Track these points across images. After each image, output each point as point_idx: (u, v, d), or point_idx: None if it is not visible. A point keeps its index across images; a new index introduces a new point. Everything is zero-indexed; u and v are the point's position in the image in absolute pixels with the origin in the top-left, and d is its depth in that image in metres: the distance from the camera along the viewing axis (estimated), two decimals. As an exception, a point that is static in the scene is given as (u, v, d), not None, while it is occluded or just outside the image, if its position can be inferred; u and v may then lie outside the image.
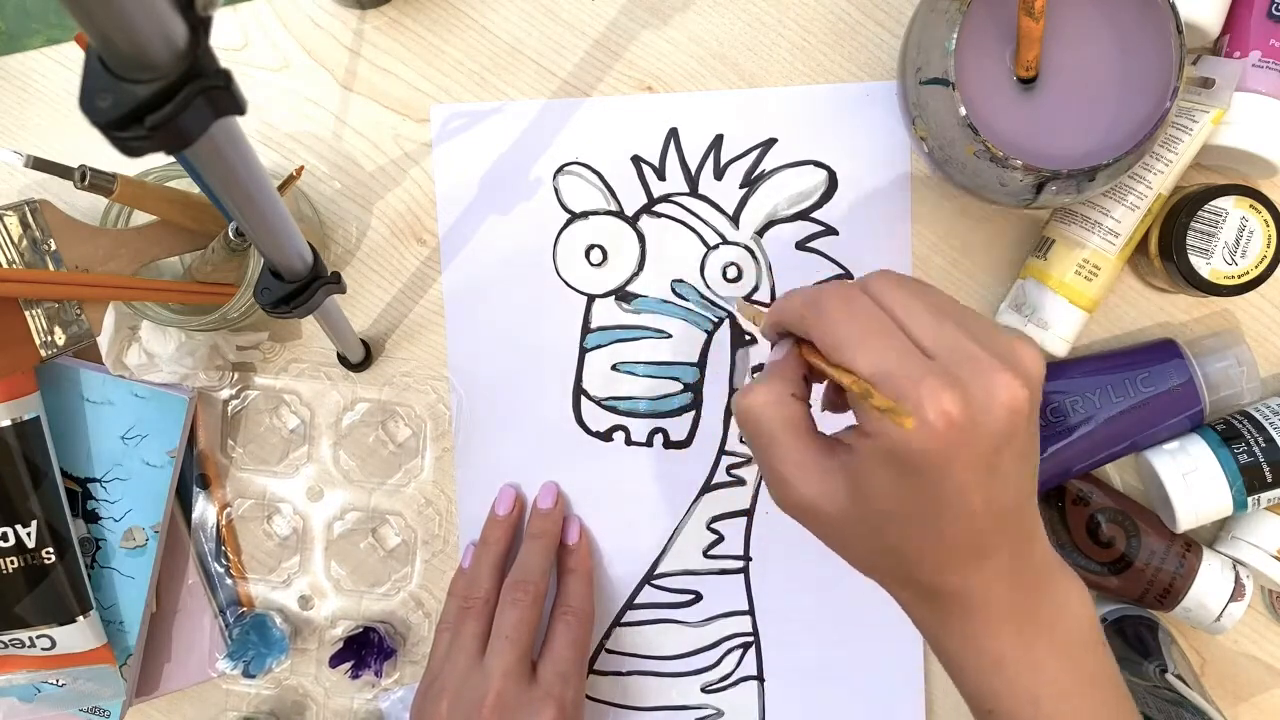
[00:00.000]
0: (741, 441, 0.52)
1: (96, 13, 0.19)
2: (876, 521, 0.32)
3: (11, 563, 0.49)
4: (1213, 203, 0.44)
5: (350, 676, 0.53)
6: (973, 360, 0.30)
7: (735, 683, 0.53)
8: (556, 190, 0.52)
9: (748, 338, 0.51)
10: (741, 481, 0.52)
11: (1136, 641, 0.48)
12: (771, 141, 0.50)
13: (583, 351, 0.52)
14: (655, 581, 0.53)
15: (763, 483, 0.52)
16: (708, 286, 0.51)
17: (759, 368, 0.51)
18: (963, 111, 0.40)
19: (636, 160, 0.51)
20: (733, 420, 0.52)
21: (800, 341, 0.35)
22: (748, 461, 0.52)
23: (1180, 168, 0.45)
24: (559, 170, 0.52)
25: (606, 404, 0.52)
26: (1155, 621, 0.49)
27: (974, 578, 0.32)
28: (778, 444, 0.33)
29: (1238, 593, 0.47)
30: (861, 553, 0.34)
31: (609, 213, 0.52)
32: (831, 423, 0.35)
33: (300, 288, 0.37)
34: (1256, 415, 0.47)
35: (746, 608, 0.52)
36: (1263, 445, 0.46)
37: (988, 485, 0.30)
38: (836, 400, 0.37)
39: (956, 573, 0.32)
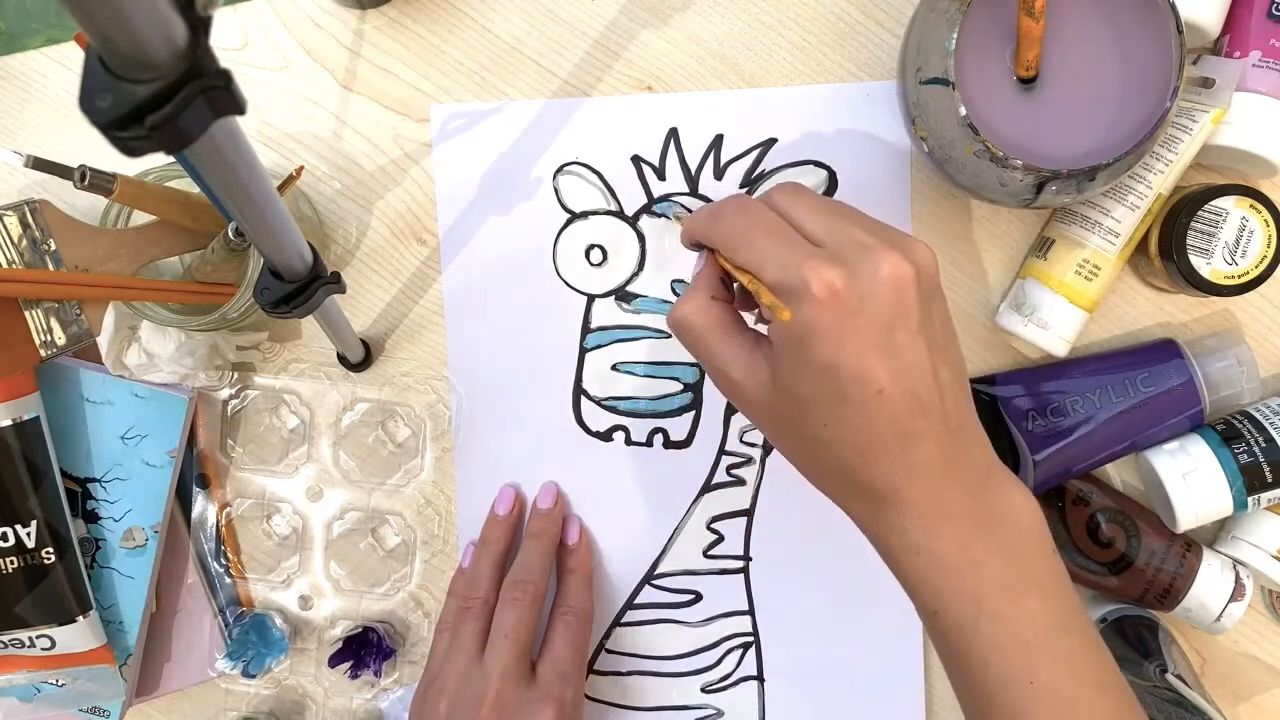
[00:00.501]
0: (742, 441, 0.52)
1: (96, 13, 0.19)
2: (799, 410, 0.33)
3: (11, 563, 0.49)
4: (1213, 203, 0.44)
5: (349, 676, 0.53)
6: (859, 244, 0.32)
7: (735, 683, 0.53)
8: (556, 190, 0.52)
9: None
10: (741, 481, 0.52)
11: (1136, 641, 0.48)
12: (771, 141, 0.50)
13: (583, 351, 0.52)
14: (655, 581, 0.53)
15: (762, 481, 0.52)
16: (708, 286, 0.51)
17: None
18: (963, 111, 0.40)
19: (636, 160, 0.51)
20: (733, 420, 0.52)
21: (714, 251, 0.37)
22: (748, 461, 0.52)
23: (1180, 168, 0.45)
24: (559, 170, 0.52)
25: (606, 404, 0.52)
26: (1155, 621, 0.49)
27: (903, 471, 0.33)
28: (706, 343, 0.36)
29: (1238, 593, 0.47)
30: (798, 449, 0.36)
31: (609, 213, 0.52)
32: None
33: (300, 288, 0.37)
34: (1256, 415, 0.47)
35: (746, 608, 0.52)
36: (1263, 445, 0.46)
37: (889, 363, 0.32)
38: (745, 301, 0.39)
39: (882, 463, 0.33)
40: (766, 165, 0.51)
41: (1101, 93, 0.41)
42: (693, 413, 0.52)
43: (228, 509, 0.55)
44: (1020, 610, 0.33)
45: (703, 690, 0.53)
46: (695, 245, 0.39)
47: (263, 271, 0.37)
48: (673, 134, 0.51)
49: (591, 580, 0.52)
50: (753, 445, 0.52)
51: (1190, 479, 0.46)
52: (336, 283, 0.39)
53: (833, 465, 0.34)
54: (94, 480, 0.52)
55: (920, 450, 0.33)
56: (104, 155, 0.39)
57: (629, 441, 0.52)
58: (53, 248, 0.48)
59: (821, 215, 0.34)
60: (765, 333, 0.35)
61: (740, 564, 0.52)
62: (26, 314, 0.48)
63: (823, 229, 0.33)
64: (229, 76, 0.22)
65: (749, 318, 0.39)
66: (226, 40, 0.52)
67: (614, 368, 0.52)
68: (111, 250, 0.48)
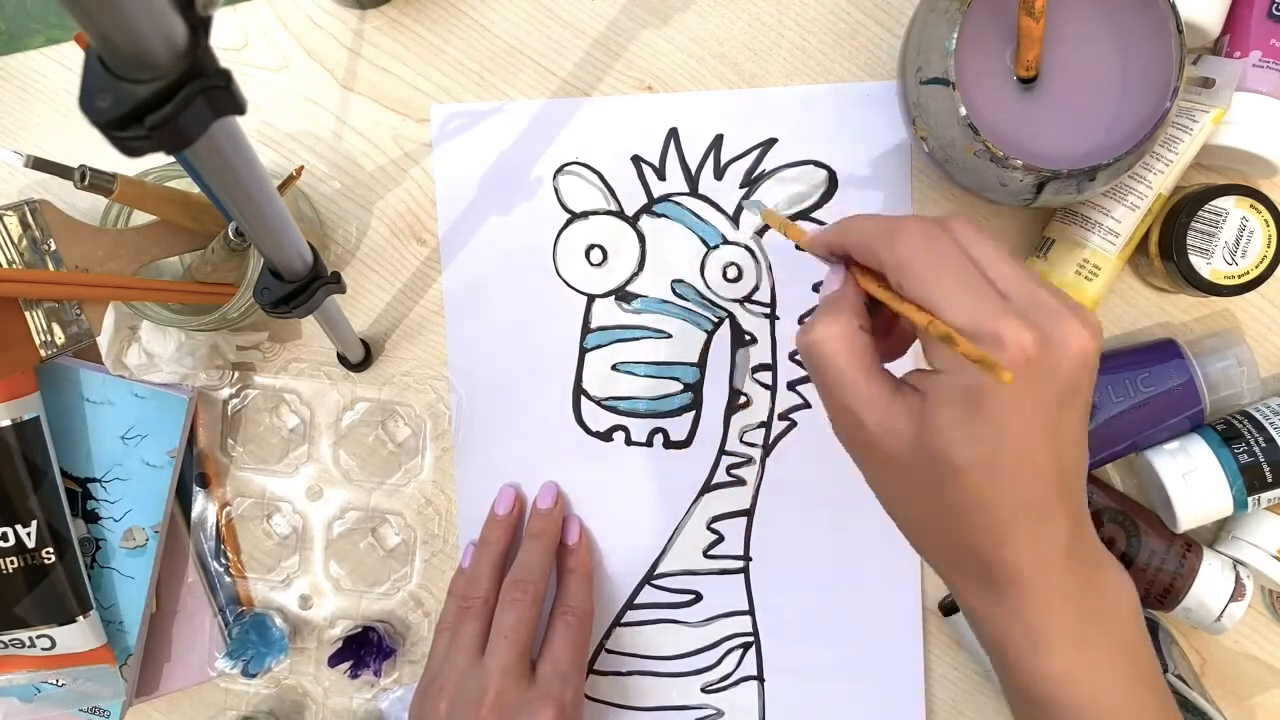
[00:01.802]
0: (742, 441, 0.52)
1: (96, 13, 0.19)
2: (938, 474, 0.30)
3: (11, 563, 0.49)
4: (1213, 203, 0.44)
5: (349, 676, 0.53)
6: (1049, 307, 0.29)
7: (735, 683, 0.53)
8: (556, 190, 0.52)
9: (748, 338, 0.51)
10: (741, 481, 0.52)
11: (1136, 641, 0.48)
12: (771, 141, 0.50)
13: (583, 351, 0.52)
14: (655, 581, 0.53)
15: (762, 481, 0.52)
16: (708, 286, 0.51)
17: (759, 368, 0.51)
18: (963, 111, 0.40)
19: (636, 160, 0.51)
20: (733, 420, 0.52)
21: (858, 268, 0.34)
22: (747, 461, 0.52)
23: (1180, 168, 0.45)
24: (559, 170, 0.52)
25: (606, 404, 0.52)
26: (1155, 621, 0.49)
27: (1030, 550, 0.31)
28: (845, 379, 0.32)
29: (1238, 593, 0.47)
30: (920, 513, 0.33)
31: (609, 213, 0.52)
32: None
33: (300, 288, 0.37)
34: (1257, 415, 0.47)
35: (746, 608, 0.52)
36: (1263, 445, 0.46)
37: (1053, 440, 0.30)
38: (889, 346, 0.36)
39: (1013, 545, 0.31)
40: (766, 165, 0.51)
41: (1101, 93, 0.41)
42: (693, 413, 0.52)
43: (228, 508, 0.55)
44: (1136, 704, 0.33)
45: (703, 690, 0.53)
46: (831, 256, 0.35)
47: (263, 271, 0.37)
48: (673, 134, 0.51)
49: (591, 580, 0.52)
50: (753, 445, 0.52)
51: (1190, 479, 0.46)
52: (336, 283, 0.39)
53: (956, 538, 0.32)
54: (94, 480, 0.52)
55: (1052, 531, 0.31)
56: (104, 155, 0.39)
57: (629, 441, 0.52)
58: (53, 248, 0.48)
59: (1007, 265, 0.31)
60: (910, 379, 0.32)
61: (740, 564, 0.52)
62: (26, 314, 0.48)
63: (1010, 281, 0.30)
64: (229, 76, 0.22)
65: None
66: (226, 40, 0.52)
67: (614, 368, 0.52)
68: (111, 250, 0.48)
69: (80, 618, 0.50)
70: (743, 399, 0.52)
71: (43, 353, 0.48)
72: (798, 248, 0.36)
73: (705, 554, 0.52)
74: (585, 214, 0.52)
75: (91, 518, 0.52)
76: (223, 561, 0.55)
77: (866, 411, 0.31)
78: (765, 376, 0.52)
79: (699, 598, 0.53)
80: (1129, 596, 0.33)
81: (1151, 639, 0.48)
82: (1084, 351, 0.29)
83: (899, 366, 0.34)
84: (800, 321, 0.51)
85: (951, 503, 0.31)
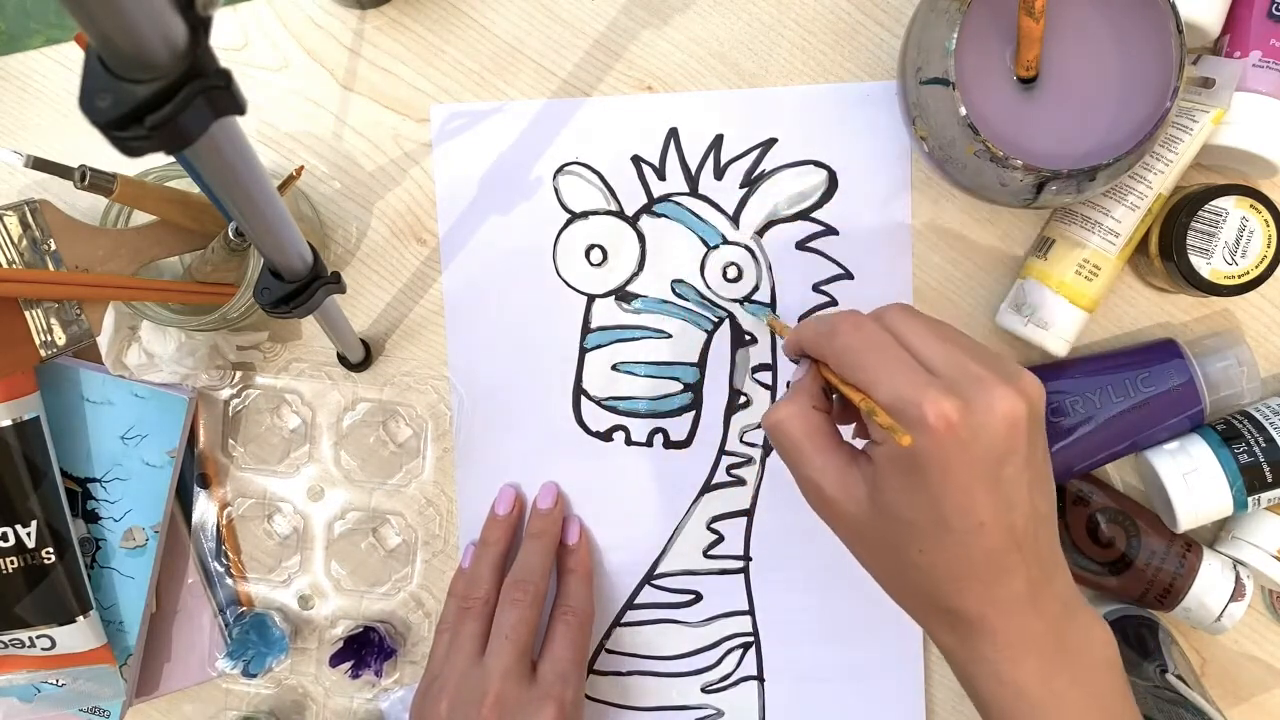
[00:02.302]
0: (742, 441, 0.52)
1: (96, 13, 0.19)
2: (896, 533, 0.34)
3: (11, 563, 0.49)
4: (1213, 203, 0.44)
5: (350, 676, 0.53)
6: (975, 377, 0.32)
7: (735, 683, 0.53)
8: (556, 190, 0.52)
9: (748, 338, 0.52)
10: (741, 481, 0.52)
11: (1136, 641, 0.48)
12: (771, 141, 0.50)
13: (583, 351, 0.52)
14: (655, 581, 0.53)
15: (762, 481, 0.52)
16: (708, 286, 0.51)
17: (759, 368, 0.51)
18: (963, 111, 0.40)
19: (636, 160, 0.51)
20: (733, 420, 0.52)
21: (818, 361, 0.38)
22: (747, 462, 0.52)
23: (1180, 168, 0.45)
24: (559, 170, 0.52)
25: (606, 404, 0.52)
26: (1155, 621, 0.49)
27: (992, 602, 0.33)
28: (802, 451, 0.36)
29: (1238, 593, 0.47)
30: (887, 568, 0.36)
31: (609, 213, 0.52)
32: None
33: (300, 288, 0.37)
34: (1257, 415, 0.47)
35: (746, 608, 0.52)
36: (1263, 445, 0.46)
37: (993, 498, 0.32)
38: (847, 415, 0.39)
39: (975, 592, 0.33)
40: (766, 165, 0.51)
41: (1101, 93, 0.41)
42: (693, 413, 0.52)
43: (228, 509, 0.55)
44: None
45: (703, 690, 0.53)
46: (799, 354, 0.39)
47: (263, 271, 0.37)
48: (673, 134, 0.51)
49: (592, 580, 0.52)
50: (753, 445, 0.52)
51: (1190, 479, 0.46)
52: (336, 283, 0.39)
53: (923, 589, 0.35)
54: (94, 480, 0.52)
55: (1011, 582, 0.33)
56: (104, 155, 0.39)
57: (629, 441, 0.52)
58: (53, 248, 0.48)
59: (936, 341, 0.34)
60: (864, 449, 0.35)
61: (740, 564, 0.52)
62: (26, 314, 0.48)
63: (938, 356, 0.33)
64: (229, 76, 0.22)
65: (844, 430, 0.39)
66: (226, 40, 0.52)
67: (614, 368, 0.52)
68: (111, 250, 0.48)
69: (80, 618, 0.50)
70: (743, 399, 0.52)
71: (43, 353, 0.48)
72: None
73: (705, 554, 0.52)
74: (585, 214, 0.52)
75: (91, 518, 0.52)
76: (223, 562, 0.55)
77: (823, 479, 0.36)
78: (765, 376, 0.52)
79: (699, 598, 0.53)
80: (1102, 643, 0.35)
81: (1151, 638, 0.48)
82: (1009, 412, 0.32)
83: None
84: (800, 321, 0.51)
85: (910, 558, 0.34)
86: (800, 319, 0.51)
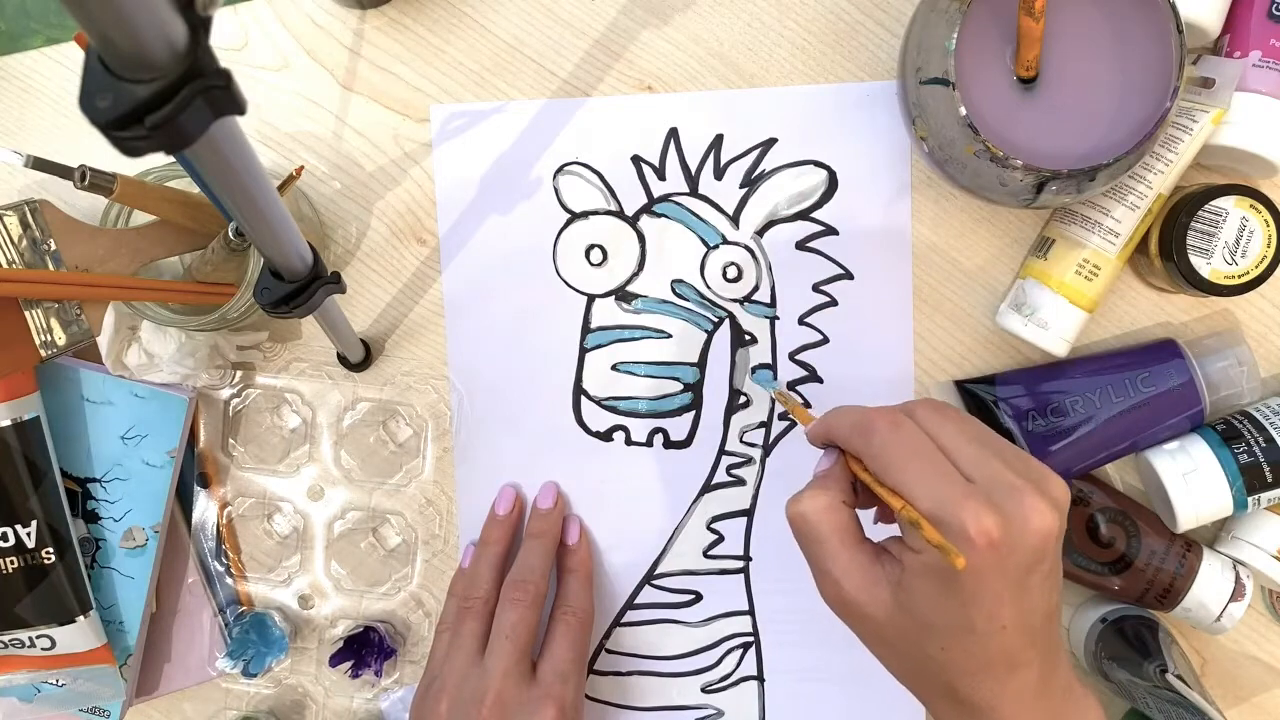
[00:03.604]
0: (742, 441, 0.52)
1: (96, 13, 0.19)
2: (917, 632, 0.34)
3: (11, 563, 0.49)
4: (1213, 203, 0.44)
5: (350, 676, 0.53)
6: (1011, 487, 0.33)
7: (735, 683, 0.53)
8: (556, 190, 0.52)
9: (748, 338, 0.52)
10: (741, 481, 0.52)
11: (1136, 641, 0.48)
12: (771, 141, 0.50)
13: (583, 351, 0.52)
14: (655, 581, 0.53)
15: (762, 481, 0.52)
16: (708, 286, 0.51)
17: (759, 368, 0.51)
18: (963, 111, 0.40)
19: (636, 160, 0.51)
20: (733, 420, 0.52)
21: (846, 452, 0.37)
22: (747, 462, 0.52)
23: (1180, 168, 0.45)
24: (559, 170, 0.52)
25: (606, 404, 0.52)
26: (1155, 621, 0.49)
27: (1004, 691, 0.34)
28: (828, 548, 0.36)
29: (1238, 593, 0.47)
30: (902, 660, 0.36)
31: (609, 213, 0.52)
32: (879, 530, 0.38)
33: (300, 288, 0.37)
34: (1256, 415, 0.47)
35: (746, 608, 0.52)
36: (1263, 445, 0.46)
37: (1019, 601, 0.33)
38: (868, 503, 0.39)
39: (988, 685, 0.34)
40: (766, 165, 0.51)
41: (1101, 93, 0.41)
42: (693, 413, 0.52)
43: (228, 508, 0.55)
44: None
45: (703, 690, 0.53)
46: (826, 444, 0.39)
47: (263, 271, 0.37)
48: (673, 134, 0.51)
49: (591, 580, 0.52)
50: (753, 445, 0.52)
51: (1190, 479, 0.46)
52: (336, 283, 0.39)
53: (937, 680, 0.35)
54: (94, 480, 0.52)
55: (1025, 675, 0.34)
56: (104, 155, 0.39)
57: (629, 441, 0.52)
58: (53, 248, 0.48)
59: (972, 445, 0.34)
60: (888, 548, 0.36)
61: (740, 564, 0.52)
62: (26, 314, 0.48)
63: (974, 462, 0.34)
64: (229, 76, 0.22)
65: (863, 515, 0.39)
66: (226, 40, 0.52)
67: (614, 368, 0.52)
68: (111, 250, 0.48)
69: (80, 618, 0.50)
70: (743, 399, 0.52)
71: (43, 353, 0.48)
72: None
73: (705, 554, 0.52)
74: (585, 214, 0.52)
75: (91, 518, 0.52)
76: (223, 561, 0.55)
77: (845, 578, 0.35)
78: (765, 376, 0.52)
79: (699, 598, 0.53)
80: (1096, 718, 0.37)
81: (1151, 638, 0.48)
82: (1044, 528, 0.32)
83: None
84: (801, 322, 0.51)
85: (929, 655, 0.35)
86: (800, 320, 0.51)
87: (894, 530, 0.36)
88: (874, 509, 0.40)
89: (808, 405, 0.51)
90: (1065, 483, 0.34)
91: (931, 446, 0.34)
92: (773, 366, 0.51)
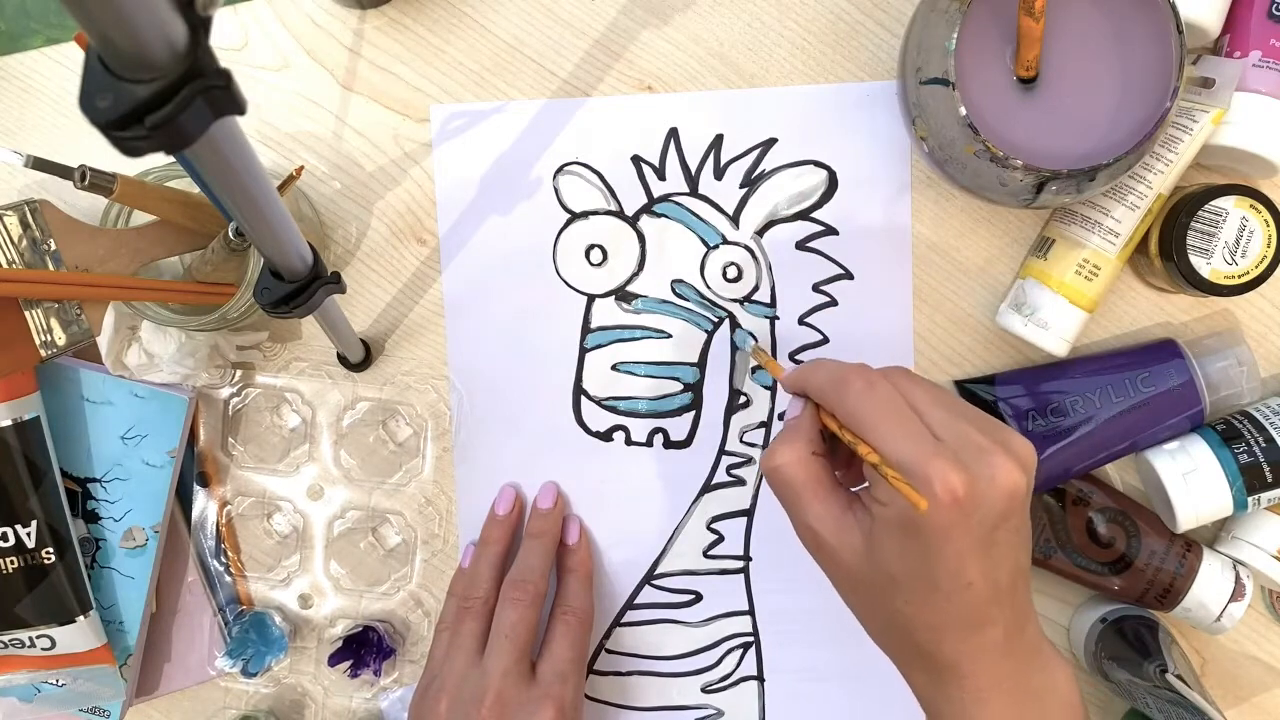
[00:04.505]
0: (742, 441, 0.52)
1: (96, 13, 0.19)
2: (884, 585, 0.35)
3: (11, 563, 0.49)
4: (1213, 203, 0.44)
5: (349, 675, 0.53)
6: (978, 447, 0.33)
7: (735, 683, 0.53)
8: (556, 190, 0.52)
9: (747, 340, 0.51)
10: (741, 481, 0.52)
11: (1136, 641, 0.48)
12: (771, 141, 0.50)
13: (583, 351, 0.52)
14: (655, 581, 0.53)
15: (762, 481, 0.52)
16: (708, 286, 0.51)
17: (759, 368, 0.51)
18: (963, 111, 0.40)
19: (636, 160, 0.51)
20: (733, 420, 0.52)
21: (817, 404, 0.38)
22: (748, 461, 0.52)
23: (1180, 168, 0.45)
24: (559, 170, 0.52)
25: (606, 404, 0.52)
26: (1155, 621, 0.49)
27: (968, 648, 0.35)
28: (802, 498, 0.37)
29: (1238, 593, 0.47)
30: (872, 615, 0.37)
31: (609, 213, 0.52)
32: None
33: (300, 288, 0.37)
34: (1256, 415, 0.47)
35: (746, 608, 0.52)
36: (1263, 445, 0.46)
37: (984, 559, 0.33)
38: (838, 457, 0.40)
39: (952, 642, 0.35)
40: (766, 165, 0.51)
41: (1101, 93, 0.41)
42: (693, 413, 0.52)
43: (228, 508, 0.55)
44: None
45: (703, 690, 0.53)
46: (799, 393, 0.40)
47: (263, 271, 0.37)
48: (673, 134, 0.51)
49: (591, 580, 0.52)
50: (752, 445, 0.52)
51: (1190, 479, 0.46)
52: (336, 283, 0.39)
53: (904, 636, 0.36)
54: (94, 480, 0.52)
55: (988, 632, 0.35)
56: (104, 155, 0.39)
57: (629, 441, 0.52)
58: (53, 248, 0.48)
59: (941, 409, 0.35)
60: (859, 497, 0.36)
61: (740, 564, 0.52)
62: (26, 314, 0.48)
63: (942, 423, 0.34)
64: (229, 76, 0.22)
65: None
66: (226, 40, 0.52)
67: (614, 368, 0.52)
68: (111, 250, 0.48)
69: (80, 618, 0.50)
70: (743, 399, 0.52)
71: (43, 353, 0.48)
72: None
73: (705, 554, 0.52)
74: (585, 214, 0.52)
75: (91, 518, 0.52)
76: (223, 561, 0.55)
77: (820, 525, 0.36)
78: (765, 376, 0.52)
79: (699, 598, 0.53)
80: (1065, 683, 0.37)
81: (1151, 638, 0.48)
82: (1010, 485, 0.33)
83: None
84: (801, 322, 0.51)
85: (896, 608, 0.35)
86: (800, 320, 0.51)
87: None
88: (841, 472, 0.41)
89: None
90: (1032, 445, 0.35)
91: (904, 406, 0.35)
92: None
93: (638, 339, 0.52)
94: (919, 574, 0.34)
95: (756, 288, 0.51)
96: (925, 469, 0.32)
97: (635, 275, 0.52)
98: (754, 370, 0.52)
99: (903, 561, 0.34)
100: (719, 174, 0.51)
